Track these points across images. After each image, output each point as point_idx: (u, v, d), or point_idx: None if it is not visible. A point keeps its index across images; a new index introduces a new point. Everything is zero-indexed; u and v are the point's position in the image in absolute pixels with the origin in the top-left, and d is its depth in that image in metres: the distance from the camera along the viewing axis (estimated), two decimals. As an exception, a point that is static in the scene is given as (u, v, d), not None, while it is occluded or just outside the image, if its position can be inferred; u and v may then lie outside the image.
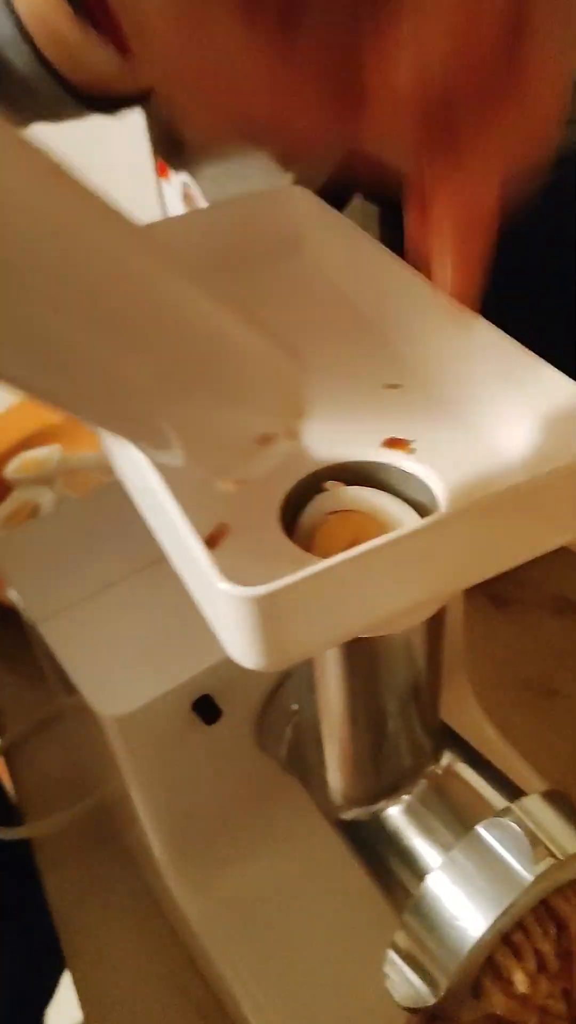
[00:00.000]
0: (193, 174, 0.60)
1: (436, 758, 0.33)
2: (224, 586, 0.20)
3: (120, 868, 0.52)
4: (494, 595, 0.66)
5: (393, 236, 0.53)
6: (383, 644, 0.27)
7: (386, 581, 0.21)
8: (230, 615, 0.20)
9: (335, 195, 0.55)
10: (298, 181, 0.47)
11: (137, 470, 0.25)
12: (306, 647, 0.22)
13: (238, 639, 0.21)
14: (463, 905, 0.29)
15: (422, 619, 0.26)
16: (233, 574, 0.20)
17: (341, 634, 0.23)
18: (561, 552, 0.59)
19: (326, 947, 0.40)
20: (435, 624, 0.28)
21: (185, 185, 0.64)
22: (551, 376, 0.24)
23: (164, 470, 0.24)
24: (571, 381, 0.24)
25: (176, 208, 0.68)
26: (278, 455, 0.22)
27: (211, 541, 0.24)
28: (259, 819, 0.40)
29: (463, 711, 0.45)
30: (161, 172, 0.74)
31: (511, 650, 0.63)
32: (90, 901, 0.51)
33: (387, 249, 0.31)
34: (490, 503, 0.22)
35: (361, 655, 0.27)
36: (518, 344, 0.26)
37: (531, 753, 0.57)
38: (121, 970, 0.48)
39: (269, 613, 0.20)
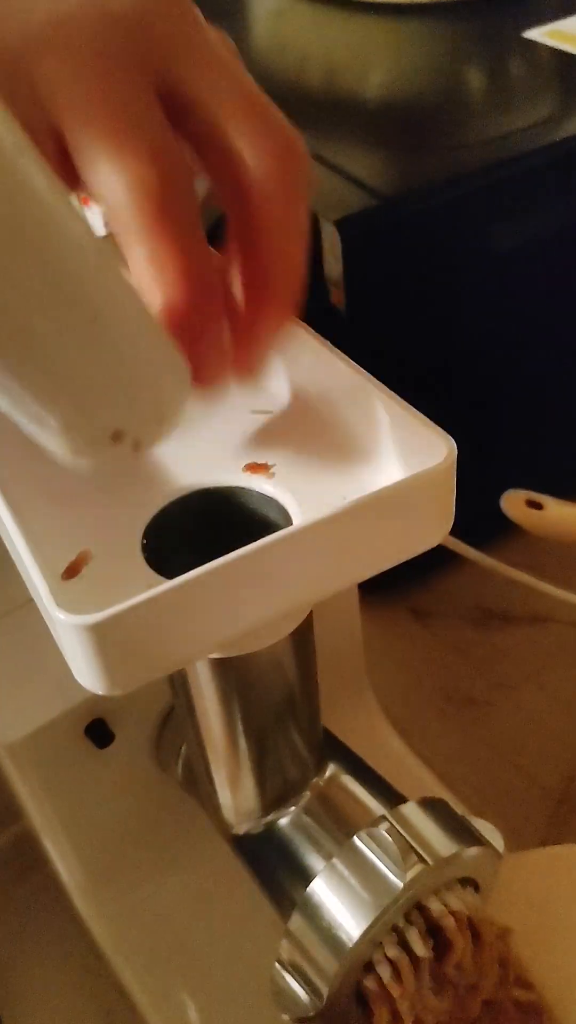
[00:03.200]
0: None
1: (321, 769, 0.34)
2: (60, 615, 0.21)
3: (45, 895, 0.52)
4: (414, 608, 0.67)
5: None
6: (249, 660, 0.28)
7: (229, 600, 0.22)
8: (69, 642, 0.21)
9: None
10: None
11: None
12: (153, 669, 0.22)
13: (81, 665, 0.21)
14: (340, 913, 0.30)
15: (282, 635, 0.27)
16: (88, 601, 0.21)
17: (190, 654, 0.23)
18: (479, 565, 0.61)
19: (233, 962, 0.40)
20: (302, 638, 0.29)
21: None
22: (392, 405, 0.26)
23: (20, 498, 0.25)
24: (409, 409, 0.25)
25: (100, 232, 0.69)
26: (117, 457, 0.23)
27: (72, 569, 0.25)
28: (163, 839, 0.41)
29: (365, 720, 0.46)
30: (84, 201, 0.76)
31: (431, 661, 0.65)
32: (12, 925, 0.51)
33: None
34: (332, 521, 0.23)
35: (228, 672, 0.28)
36: (368, 375, 0.27)
37: (451, 761, 0.58)
38: (45, 993, 0.48)
39: (105, 639, 0.21)
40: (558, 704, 0.61)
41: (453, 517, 0.25)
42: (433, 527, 0.25)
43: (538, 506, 0.50)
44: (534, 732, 0.60)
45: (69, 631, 0.21)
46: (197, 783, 0.34)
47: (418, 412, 0.25)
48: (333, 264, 0.50)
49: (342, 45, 0.68)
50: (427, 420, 0.25)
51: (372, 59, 0.66)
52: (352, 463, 0.26)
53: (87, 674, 0.22)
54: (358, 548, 0.24)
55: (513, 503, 0.50)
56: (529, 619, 0.66)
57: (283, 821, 0.33)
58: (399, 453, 0.25)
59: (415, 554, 0.25)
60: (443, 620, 0.67)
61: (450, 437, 0.24)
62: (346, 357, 0.28)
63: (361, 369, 0.27)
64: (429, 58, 0.65)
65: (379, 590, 0.67)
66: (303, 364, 0.29)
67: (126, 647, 0.21)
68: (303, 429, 0.29)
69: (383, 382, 0.27)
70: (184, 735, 0.36)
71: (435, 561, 0.66)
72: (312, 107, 0.60)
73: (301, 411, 0.30)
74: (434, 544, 0.25)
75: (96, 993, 0.47)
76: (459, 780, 0.55)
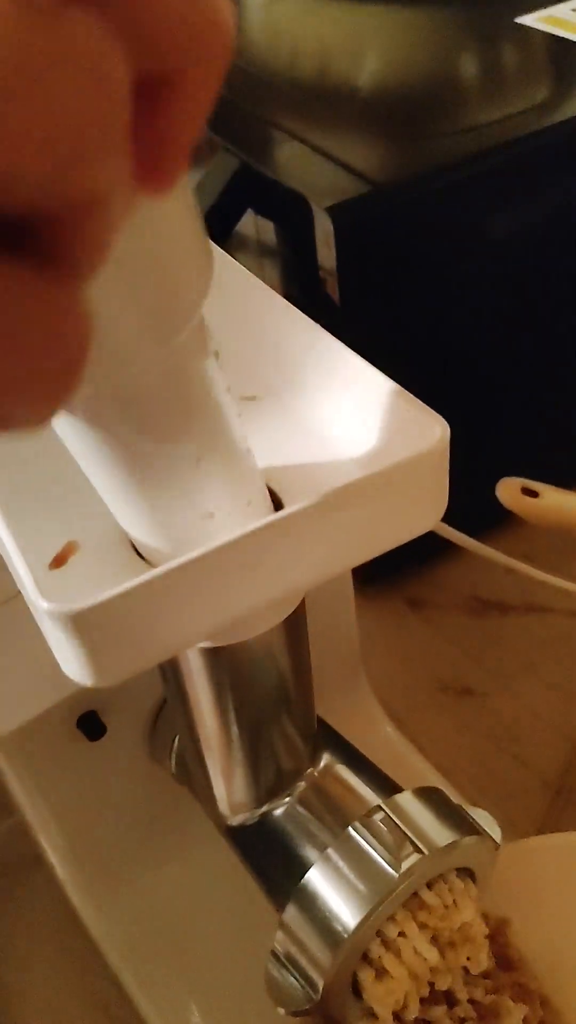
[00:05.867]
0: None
1: (315, 759, 0.33)
2: (44, 604, 0.20)
3: (44, 888, 0.52)
4: (409, 598, 0.67)
5: (288, 252, 0.54)
6: (240, 649, 0.28)
7: (217, 588, 0.22)
8: (54, 632, 0.21)
9: (227, 211, 0.56)
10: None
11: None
12: (141, 659, 0.22)
13: (67, 655, 0.21)
14: (335, 904, 0.29)
15: (273, 623, 0.27)
16: (74, 591, 0.21)
17: (178, 643, 0.23)
18: (475, 554, 0.60)
19: (228, 954, 0.40)
20: (294, 626, 0.29)
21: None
22: (386, 386, 0.25)
23: (6, 489, 0.25)
24: (402, 392, 0.25)
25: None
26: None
27: (59, 559, 0.25)
28: (157, 831, 0.40)
29: (361, 710, 0.46)
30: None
31: (427, 651, 0.64)
32: (10, 920, 0.50)
33: (243, 268, 0.32)
34: (321, 506, 0.22)
35: (220, 661, 0.28)
36: (359, 358, 0.27)
37: (448, 750, 0.58)
38: (43, 988, 0.48)
39: (91, 628, 0.20)
40: (555, 693, 0.61)
41: (446, 501, 0.25)
42: (426, 511, 0.25)
43: (534, 494, 0.50)
44: (531, 721, 0.59)
45: (54, 620, 0.20)
46: (191, 775, 0.34)
47: (411, 395, 0.25)
48: (326, 252, 0.49)
49: (334, 32, 0.68)
50: (420, 402, 0.24)
51: (364, 46, 0.66)
52: (343, 446, 0.25)
53: (74, 665, 0.21)
54: (349, 533, 0.23)
55: (509, 490, 0.50)
56: (525, 608, 0.66)
57: (277, 812, 0.33)
58: (391, 435, 0.24)
59: (408, 539, 0.25)
60: (439, 610, 0.67)
61: (443, 419, 0.24)
62: (338, 341, 0.27)
63: (353, 352, 0.27)
64: (422, 45, 0.65)
65: (375, 580, 0.66)
66: (293, 347, 0.29)
67: (113, 636, 0.21)
68: (293, 413, 0.29)
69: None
70: (176, 726, 0.36)
71: (431, 550, 0.66)
72: (305, 95, 0.59)
73: (290, 395, 0.29)
74: (427, 528, 0.25)
75: (93, 986, 0.47)
76: (456, 770, 0.55)
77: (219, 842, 0.38)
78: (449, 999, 0.36)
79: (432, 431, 0.24)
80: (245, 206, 0.55)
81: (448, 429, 0.24)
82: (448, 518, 0.48)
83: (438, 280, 0.52)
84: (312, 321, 0.28)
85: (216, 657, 0.28)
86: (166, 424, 0.20)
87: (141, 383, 0.19)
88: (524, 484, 0.51)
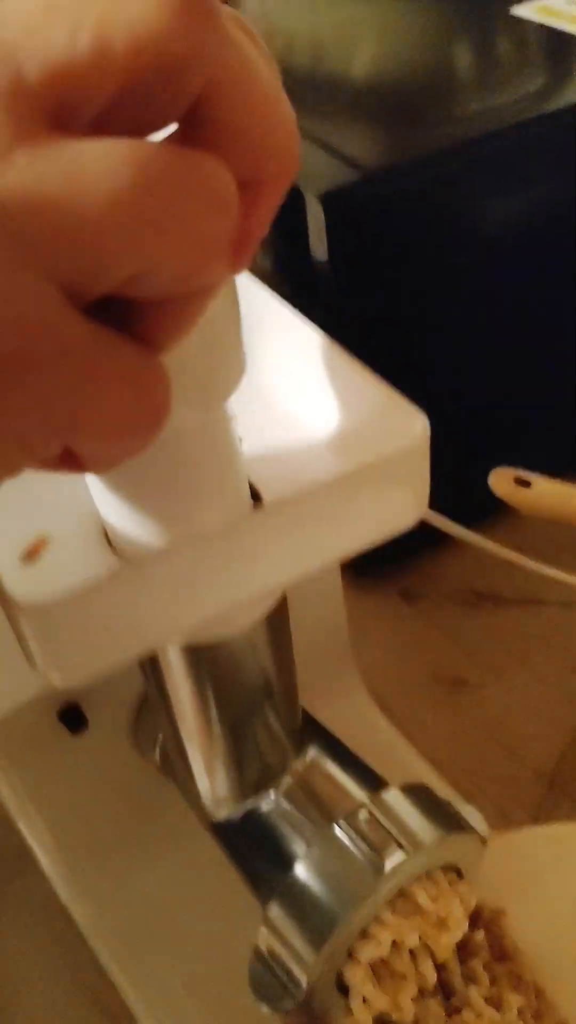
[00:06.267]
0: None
1: (300, 753, 0.33)
2: (14, 596, 0.20)
3: (35, 881, 0.51)
4: (403, 589, 0.66)
5: (280, 242, 0.53)
6: (220, 646, 0.27)
7: (192, 582, 0.22)
8: (24, 626, 0.20)
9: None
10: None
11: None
12: (114, 653, 0.22)
13: (37, 650, 0.21)
14: (319, 903, 0.29)
15: (253, 619, 0.27)
16: (45, 584, 0.20)
17: (152, 639, 0.23)
18: (469, 547, 0.60)
19: (217, 945, 0.40)
20: (276, 622, 0.28)
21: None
22: (368, 379, 0.25)
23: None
24: (384, 386, 0.25)
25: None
26: None
27: (31, 553, 0.24)
28: (142, 825, 0.40)
29: (351, 703, 0.45)
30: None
31: (421, 644, 0.64)
32: (2, 912, 0.50)
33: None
34: (299, 501, 0.22)
35: (199, 658, 0.27)
36: (341, 349, 0.26)
37: (440, 743, 0.57)
38: (34, 980, 0.48)
39: (60, 621, 0.20)
40: (548, 686, 0.61)
41: (428, 495, 0.25)
42: (407, 506, 0.24)
43: (526, 484, 0.49)
44: (525, 714, 0.59)
45: (24, 614, 0.20)
46: (175, 770, 0.34)
47: (392, 389, 0.24)
48: (317, 240, 0.49)
49: (329, 21, 0.67)
50: (400, 397, 0.24)
51: (359, 35, 0.65)
52: (322, 439, 0.25)
53: (37, 658, 0.21)
54: (327, 528, 0.23)
55: (501, 480, 0.49)
56: (520, 601, 0.65)
57: (262, 807, 0.32)
58: (371, 430, 0.24)
59: (389, 535, 0.24)
60: (433, 602, 0.66)
61: (423, 414, 0.23)
62: (320, 331, 0.27)
63: (334, 343, 0.26)
64: (417, 34, 0.64)
65: (368, 572, 0.66)
66: (272, 338, 0.28)
67: (83, 630, 0.20)
68: (272, 405, 0.28)
69: (367, 360, 0.26)
70: (159, 721, 0.35)
71: (425, 542, 0.66)
72: (298, 82, 0.59)
73: (270, 387, 0.29)
74: (409, 524, 0.24)
75: (84, 978, 0.47)
76: (449, 762, 0.54)
77: (205, 836, 0.38)
78: (446, 990, 0.35)
79: (413, 426, 0.23)
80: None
81: (427, 424, 0.23)
82: (443, 508, 0.48)
83: (431, 268, 0.52)
84: (292, 308, 0.28)
85: (196, 654, 0.27)
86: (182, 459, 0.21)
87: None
88: (517, 474, 0.50)
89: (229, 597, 0.22)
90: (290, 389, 0.28)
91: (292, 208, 0.49)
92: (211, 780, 0.32)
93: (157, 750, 0.36)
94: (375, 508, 0.23)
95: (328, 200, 0.47)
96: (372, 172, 0.48)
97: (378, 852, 0.29)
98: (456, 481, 0.44)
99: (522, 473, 0.50)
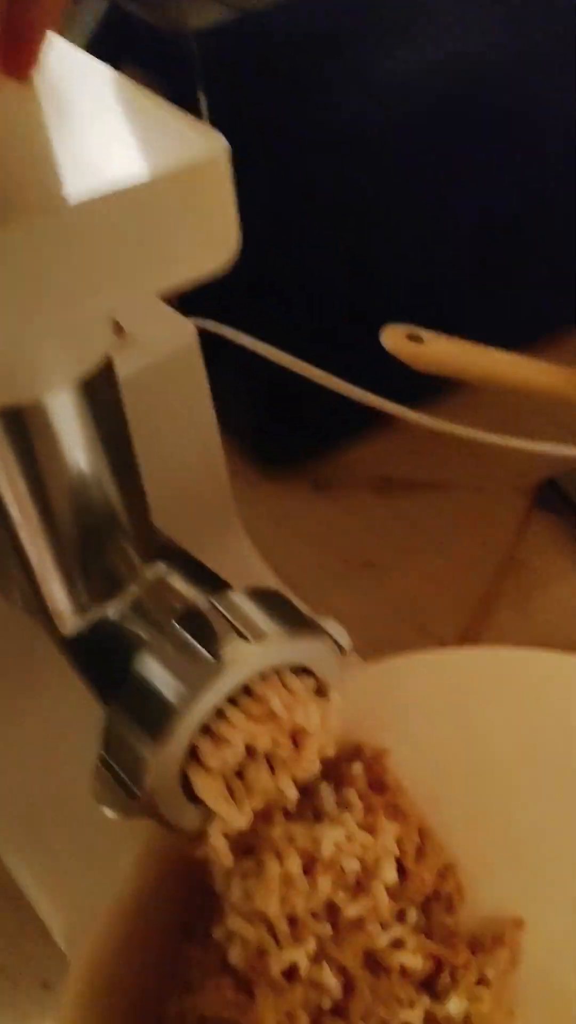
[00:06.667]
0: None
1: (151, 564, 0.32)
2: None
3: None
4: (315, 479, 0.65)
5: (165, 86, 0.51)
6: (35, 414, 0.26)
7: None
8: None
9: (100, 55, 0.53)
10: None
11: None
12: None
13: None
14: (156, 696, 0.28)
15: (65, 381, 0.25)
16: None
17: None
18: (383, 434, 0.59)
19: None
20: (102, 399, 0.27)
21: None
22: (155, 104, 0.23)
23: None
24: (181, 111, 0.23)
25: None
26: None
27: None
28: (13, 672, 0.39)
29: (236, 559, 0.44)
30: None
31: (332, 530, 0.63)
32: None
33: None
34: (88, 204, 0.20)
35: (18, 427, 0.26)
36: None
37: (345, 617, 0.57)
38: None
39: None
40: (459, 566, 0.60)
41: (235, 238, 0.23)
42: (215, 235, 0.23)
43: (418, 339, 0.48)
44: (434, 592, 0.59)
45: None
46: (18, 590, 0.32)
47: (191, 115, 0.23)
48: (195, 81, 0.47)
49: None
50: (201, 122, 0.23)
51: None
52: (125, 154, 0.23)
53: None
54: (134, 246, 0.21)
55: (393, 336, 0.48)
56: (431, 485, 0.65)
57: (109, 615, 0.31)
58: (172, 144, 0.22)
59: (200, 272, 0.23)
60: (345, 490, 0.65)
61: (222, 136, 0.22)
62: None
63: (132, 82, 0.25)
64: None
65: (279, 461, 0.65)
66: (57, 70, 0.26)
67: None
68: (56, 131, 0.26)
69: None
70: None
71: (336, 433, 0.65)
72: None
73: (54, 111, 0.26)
74: (215, 266, 0.23)
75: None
76: (353, 633, 0.53)
77: (69, 678, 0.36)
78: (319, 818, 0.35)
79: (214, 144, 0.22)
80: (118, 51, 0.52)
81: (228, 146, 0.22)
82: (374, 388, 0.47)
83: (318, 122, 0.50)
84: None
85: (12, 422, 0.26)
86: None
87: None
88: (409, 330, 0.49)
89: (39, 316, 0.21)
90: (72, 112, 0.26)
91: (172, 54, 0.47)
92: (52, 589, 0.31)
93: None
94: (181, 231, 0.22)
95: (205, 40, 0.45)
96: (255, 12, 0.46)
97: (217, 641, 0.28)
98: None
99: (414, 329, 0.49)
